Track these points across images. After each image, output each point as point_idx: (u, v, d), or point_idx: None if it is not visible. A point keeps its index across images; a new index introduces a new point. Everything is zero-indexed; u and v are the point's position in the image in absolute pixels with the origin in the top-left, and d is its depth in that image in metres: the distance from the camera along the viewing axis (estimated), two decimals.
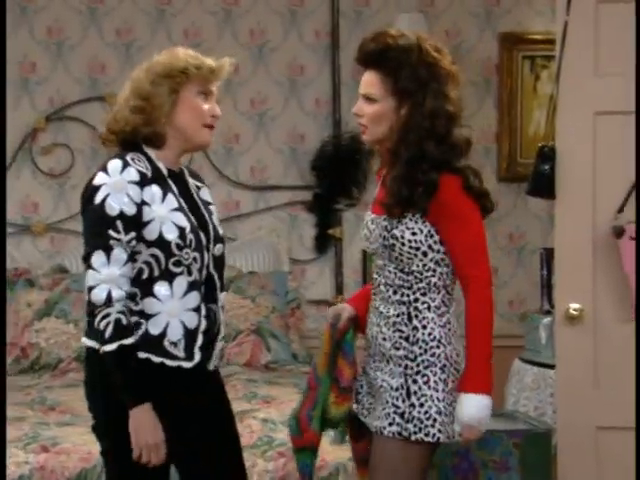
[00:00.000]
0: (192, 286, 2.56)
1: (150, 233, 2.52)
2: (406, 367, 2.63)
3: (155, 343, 2.54)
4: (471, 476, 3.23)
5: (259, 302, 4.50)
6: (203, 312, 2.59)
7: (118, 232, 2.48)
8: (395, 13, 4.65)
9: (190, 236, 2.56)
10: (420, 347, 2.63)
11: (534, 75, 4.81)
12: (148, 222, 2.52)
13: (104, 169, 2.53)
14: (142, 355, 2.53)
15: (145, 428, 2.50)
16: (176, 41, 4.68)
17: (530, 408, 3.93)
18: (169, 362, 2.54)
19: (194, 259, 2.56)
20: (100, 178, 2.52)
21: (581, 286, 3.13)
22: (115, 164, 2.52)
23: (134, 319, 2.53)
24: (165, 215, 2.53)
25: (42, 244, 4.71)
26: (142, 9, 4.73)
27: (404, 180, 2.59)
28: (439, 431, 2.60)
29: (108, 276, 2.47)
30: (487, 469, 3.19)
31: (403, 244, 2.62)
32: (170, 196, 2.57)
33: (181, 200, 2.60)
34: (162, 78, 2.57)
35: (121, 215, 2.48)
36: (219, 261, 2.66)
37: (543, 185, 3.17)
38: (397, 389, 2.62)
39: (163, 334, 2.54)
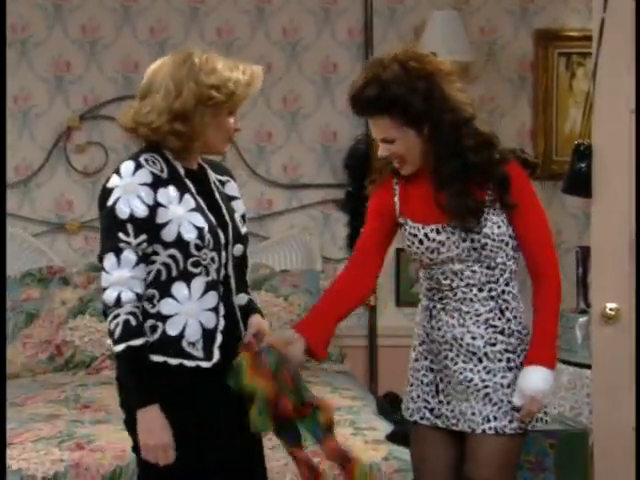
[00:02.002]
0: (210, 286, 2.56)
1: (168, 234, 2.51)
2: (508, 360, 2.67)
3: (173, 344, 2.52)
4: None
5: (292, 301, 4.49)
6: (222, 312, 2.58)
7: (128, 235, 2.48)
8: (429, 10, 4.63)
9: (208, 236, 2.54)
10: (517, 338, 2.70)
11: (570, 72, 4.77)
12: (165, 224, 2.51)
13: (117, 171, 2.53)
14: (158, 359, 2.52)
15: (153, 429, 2.50)
16: (209, 40, 4.69)
17: (566, 408, 3.90)
18: (187, 362, 2.53)
19: (212, 259, 2.55)
20: (113, 181, 2.52)
21: (618, 285, 3.10)
22: (127, 166, 2.52)
23: (150, 322, 2.52)
24: (183, 215, 2.52)
25: (76, 242, 4.73)
26: (175, 7, 4.74)
27: (462, 194, 2.62)
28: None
29: (119, 278, 2.48)
30: (522, 470, 3.17)
31: (493, 240, 2.66)
32: (187, 196, 2.56)
33: (199, 199, 2.59)
34: (205, 97, 2.55)
35: (131, 218, 2.48)
36: (239, 261, 2.65)
37: (579, 183, 3.14)
38: (509, 385, 2.66)
39: (181, 335, 2.53)
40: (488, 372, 2.67)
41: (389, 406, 3.74)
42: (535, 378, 2.63)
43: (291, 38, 4.77)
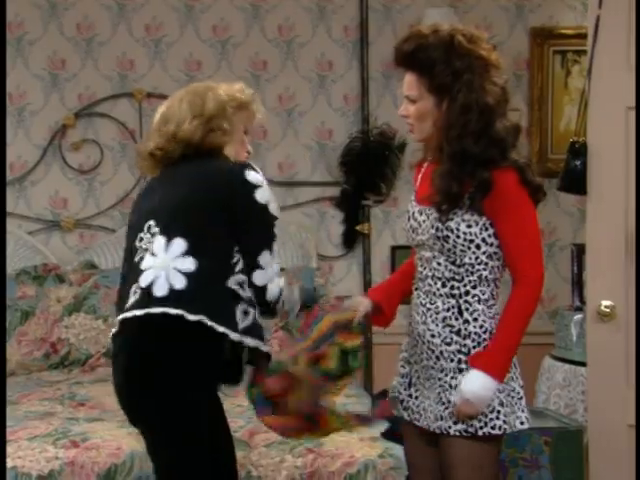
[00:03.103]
0: None
1: None
2: (459, 362, 2.63)
3: (259, 329, 2.68)
4: (501, 474, 3.21)
5: None
6: None
7: (276, 229, 2.72)
8: (424, 8, 4.63)
9: None
10: (473, 340, 2.63)
11: (565, 70, 4.78)
12: None
13: (252, 169, 2.71)
14: (252, 343, 2.66)
15: None
16: (204, 37, 4.69)
17: (561, 406, 3.91)
18: (267, 347, 2.72)
19: None
20: (255, 177, 2.69)
21: (613, 283, 3.10)
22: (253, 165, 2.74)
23: (243, 307, 2.65)
24: None
25: (71, 240, 4.73)
26: (171, 5, 4.73)
27: (450, 176, 2.59)
28: (504, 422, 2.61)
29: (274, 272, 2.69)
30: (517, 467, 3.18)
31: (458, 236, 2.62)
32: None
33: None
34: (239, 119, 2.79)
35: (278, 216, 2.75)
36: None
37: (574, 181, 3.14)
38: (455, 387, 2.62)
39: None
40: (442, 371, 2.64)
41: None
42: (476, 382, 2.58)
43: (286, 36, 4.77)
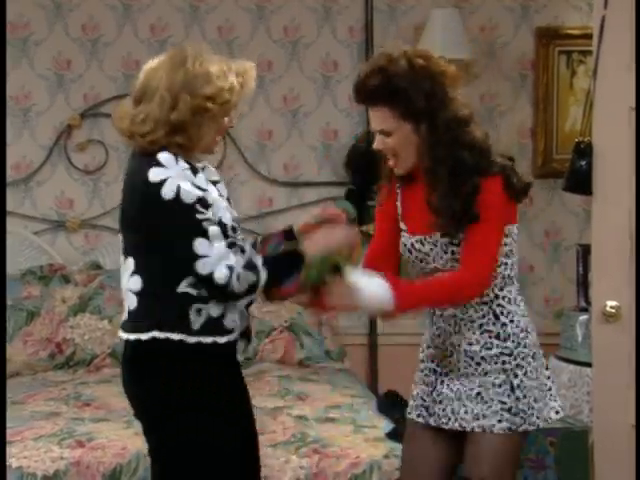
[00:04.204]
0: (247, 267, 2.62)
1: (215, 215, 2.56)
2: (504, 363, 2.67)
3: (218, 325, 2.57)
4: None
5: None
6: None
7: (202, 213, 2.50)
8: (429, 9, 4.62)
9: (234, 216, 2.65)
10: (513, 341, 2.68)
11: (570, 70, 4.77)
12: (211, 205, 2.55)
13: (157, 164, 2.51)
14: (208, 340, 2.56)
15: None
16: (210, 38, 4.69)
17: (566, 406, 3.90)
18: (232, 337, 2.59)
19: (242, 240, 2.64)
20: (159, 172, 2.50)
21: (618, 283, 3.09)
22: (167, 156, 2.53)
23: (195, 306, 2.55)
24: (218, 199, 2.59)
25: (77, 240, 4.73)
26: (176, 6, 4.73)
27: (451, 195, 2.60)
28: (537, 418, 2.70)
29: (218, 255, 2.50)
30: (523, 468, 3.17)
31: None
32: (211, 185, 2.62)
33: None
34: (201, 108, 2.56)
35: (198, 200, 2.51)
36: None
37: (580, 181, 3.14)
38: (500, 385, 2.67)
39: (223, 315, 2.58)
40: (485, 374, 2.68)
41: (389, 404, 3.74)
42: (377, 289, 2.57)
43: (292, 36, 4.77)
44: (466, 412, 2.68)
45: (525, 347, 2.69)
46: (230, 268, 2.50)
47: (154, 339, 2.56)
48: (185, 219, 2.49)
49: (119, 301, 4.41)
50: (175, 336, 2.54)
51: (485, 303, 2.68)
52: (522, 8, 4.80)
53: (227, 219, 2.58)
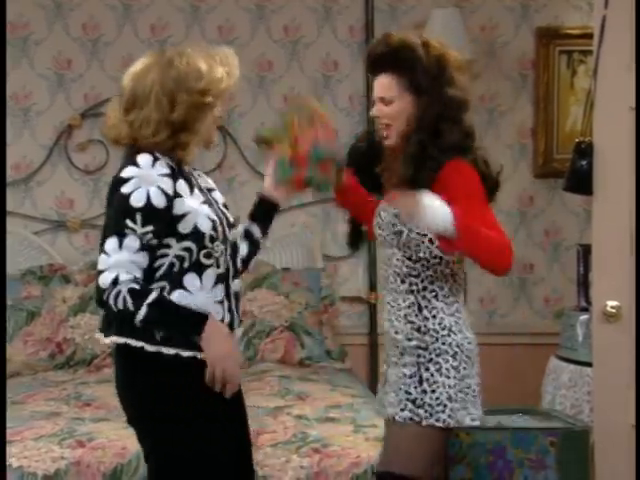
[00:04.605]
0: (219, 278, 2.59)
1: (185, 226, 2.53)
2: (419, 356, 2.72)
3: (183, 337, 2.53)
4: (507, 474, 3.21)
5: (293, 299, 4.49)
6: (226, 305, 2.61)
7: (135, 223, 2.48)
8: (430, 8, 4.62)
9: (219, 228, 2.59)
10: (431, 336, 2.71)
11: (571, 70, 4.77)
12: (182, 215, 2.53)
13: (133, 163, 2.53)
14: (170, 351, 2.53)
15: (219, 339, 2.51)
16: (210, 38, 4.69)
17: (567, 406, 3.90)
18: (199, 355, 2.53)
19: (222, 251, 2.59)
20: (130, 171, 2.52)
21: (618, 283, 3.09)
22: (146, 158, 2.54)
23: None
24: (198, 208, 2.55)
25: (77, 240, 4.73)
26: (176, 6, 4.73)
27: (412, 160, 2.66)
28: (449, 417, 2.69)
29: (117, 261, 2.48)
30: (523, 467, 3.17)
31: (411, 230, 2.69)
32: (196, 190, 2.60)
33: (205, 193, 2.65)
34: (199, 104, 2.58)
35: (145, 207, 2.49)
36: (234, 247, 2.70)
37: (580, 181, 3.14)
38: (410, 377, 2.71)
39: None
40: (404, 366, 2.74)
41: None
42: (441, 211, 2.57)
43: (292, 36, 4.77)
44: (390, 402, 2.75)
45: (444, 344, 2.70)
46: (115, 281, 2.47)
47: (121, 345, 2.55)
48: (118, 216, 2.50)
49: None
50: (134, 342, 2.53)
51: (412, 292, 2.72)
52: (522, 8, 4.80)
53: (206, 228, 2.55)
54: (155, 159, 2.54)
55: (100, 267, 2.50)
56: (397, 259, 2.73)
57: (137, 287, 2.48)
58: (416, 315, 2.72)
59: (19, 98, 4.68)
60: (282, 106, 4.77)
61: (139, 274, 2.50)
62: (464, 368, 2.71)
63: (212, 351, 2.50)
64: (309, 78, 4.78)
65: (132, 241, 2.49)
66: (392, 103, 2.72)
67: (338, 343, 4.53)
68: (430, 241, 2.69)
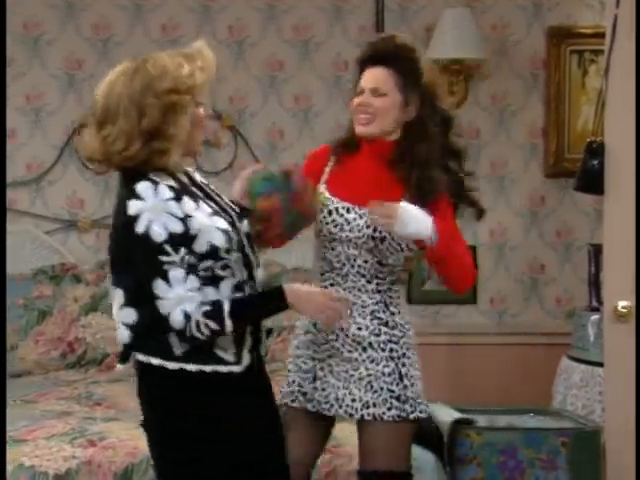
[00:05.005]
0: (237, 288, 2.54)
1: (201, 244, 2.46)
2: (391, 350, 2.78)
3: (205, 351, 2.50)
4: (518, 474, 3.21)
5: None
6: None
7: (169, 255, 2.43)
8: (441, 8, 4.62)
9: (232, 235, 2.52)
10: (400, 330, 2.80)
11: (582, 70, 4.76)
12: (196, 235, 2.46)
13: (134, 195, 2.44)
14: (193, 367, 2.49)
15: (308, 299, 2.53)
16: (221, 38, 4.70)
17: (578, 406, 3.89)
18: (221, 368, 2.51)
19: (237, 259, 2.54)
20: (135, 206, 2.43)
21: (630, 283, 3.09)
22: (145, 187, 2.44)
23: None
24: (207, 222, 2.48)
25: (88, 240, 4.74)
26: (187, 6, 4.74)
27: (428, 179, 2.75)
28: (426, 406, 2.82)
29: (176, 298, 2.43)
30: (534, 468, 3.17)
31: (393, 238, 2.76)
32: (201, 202, 2.52)
33: (208, 201, 2.56)
34: (169, 105, 2.45)
35: (169, 237, 2.42)
36: (249, 237, 2.62)
37: (591, 181, 3.13)
38: (390, 374, 2.77)
39: (211, 343, 2.50)
40: (372, 361, 2.77)
41: None
42: (420, 219, 2.68)
43: (303, 36, 4.77)
44: (353, 400, 2.78)
45: (409, 338, 2.82)
46: (186, 315, 2.44)
47: (142, 363, 2.52)
48: (149, 258, 2.43)
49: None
50: (155, 360, 2.50)
51: (379, 292, 2.80)
52: (534, 7, 4.79)
53: (220, 241, 2.48)
54: (155, 184, 2.45)
55: (163, 312, 2.44)
56: (364, 260, 2.78)
57: (208, 308, 2.45)
58: (384, 311, 2.80)
59: (30, 98, 4.69)
60: (293, 106, 4.78)
61: (200, 296, 2.46)
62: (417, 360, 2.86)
63: (307, 312, 2.57)
64: (320, 78, 4.78)
65: (176, 273, 2.43)
66: (384, 96, 2.77)
67: None
68: (402, 250, 2.78)
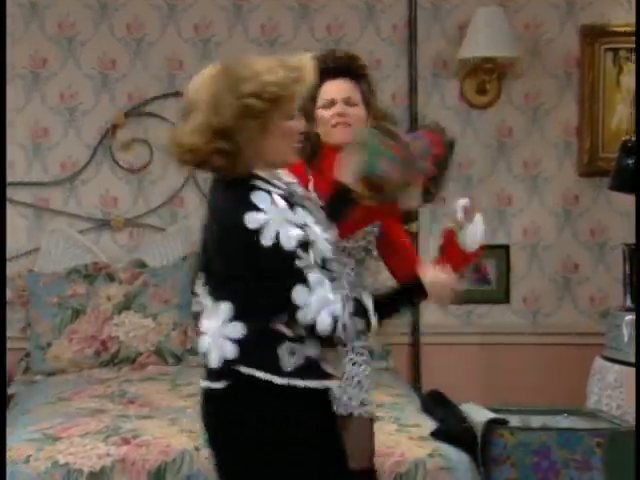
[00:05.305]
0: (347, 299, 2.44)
1: (316, 255, 2.38)
2: (362, 355, 2.92)
3: (315, 366, 2.41)
4: (552, 475, 3.19)
5: None
6: None
7: (301, 259, 2.33)
8: (474, 7, 4.60)
9: (334, 243, 2.46)
10: (366, 338, 2.92)
11: (617, 68, 4.72)
12: (313, 242, 2.38)
13: (251, 207, 2.32)
14: (301, 384, 2.38)
15: (439, 292, 2.49)
16: (253, 37, 4.71)
17: (612, 407, 3.87)
18: (328, 383, 2.43)
19: (340, 270, 2.50)
20: (255, 219, 2.32)
21: None
22: (261, 197, 2.34)
23: (289, 346, 2.38)
24: (318, 233, 2.41)
25: (121, 238, 4.76)
26: (219, 5, 4.75)
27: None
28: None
29: (319, 301, 2.34)
30: (569, 468, 3.15)
31: (373, 253, 2.96)
32: (299, 209, 2.43)
33: (305, 209, 2.47)
34: (244, 108, 2.34)
35: (298, 243, 2.33)
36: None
37: (626, 179, 3.12)
38: (367, 375, 2.91)
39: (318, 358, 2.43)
40: (354, 364, 2.89)
41: (433, 403, 3.73)
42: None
43: (335, 35, 4.76)
44: (350, 398, 2.86)
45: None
46: (334, 318, 2.34)
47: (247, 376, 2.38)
48: (285, 267, 2.33)
49: (163, 299, 4.48)
50: (261, 374, 2.37)
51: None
52: (567, 5, 4.76)
53: (328, 251, 2.40)
54: (269, 194, 2.35)
55: (307, 321, 2.33)
56: (351, 268, 2.89)
57: (351, 310, 2.37)
58: None
59: (65, 98, 4.72)
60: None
61: (340, 294, 2.38)
62: None
63: (444, 300, 2.53)
64: None
65: (315, 275, 2.34)
66: (356, 106, 2.87)
67: (381, 342, 4.52)
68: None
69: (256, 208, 2.33)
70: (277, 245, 2.32)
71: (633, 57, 4.57)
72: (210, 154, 2.36)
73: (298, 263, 2.33)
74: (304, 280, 2.33)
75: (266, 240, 2.32)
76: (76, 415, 3.50)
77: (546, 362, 4.61)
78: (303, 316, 2.34)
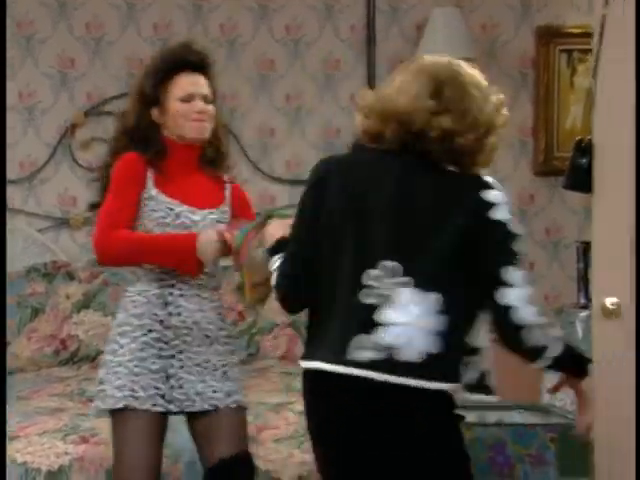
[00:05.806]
0: None
1: None
2: (227, 344, 2.94)
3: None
4: (507, 470, 3.23)
5: None
6: None
7: (522, 254, 2.37)
8: (431, 7, 4.65)
9: None
10: (231, 326, 3.08)
11: (571, 69, 4.79)
12: None
13: (489, 186, 2.46)
14: (451, 387, 2.35)
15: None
16: (213, 37, 4.72)
17: (567, 402, 3.92)
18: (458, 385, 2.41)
19: None
20: (496, 195, 2.44)
21: (618, 280, 3.11)
22: (495, 182, 2.49)
23: (466, 358, 2.41)
24: None
25: (80, 237, 4.76)
26: (179, 4, 4.76)
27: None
28: None
29: (530, 297, 2.36)
30: (523, 463, 3.19)
31: None
32: None
33: None
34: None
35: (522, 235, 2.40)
36: None
37: (580, 179, 3.15)
38: (236, 364, 2.95)
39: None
40: (219, 354, 2.89)
41: None
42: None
43: (294, 35, 4.79)
44: (215, 391, 2.85)
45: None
46: (539, 325, 2.41)
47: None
48: (515, 244, 2.35)
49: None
50: (448, 387, 2.33)
51: (216, 289, 2.95)
52: (523, 7, 4.82)
53: None
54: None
55: (508, 301, 2.29)
56: None
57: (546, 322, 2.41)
58: (222, 307, 2.98)
59: (23, 97, 4.71)
60: (284, 105, 4.80)
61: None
62: None
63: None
64: (311, 77, 4.81)
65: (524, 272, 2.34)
66: (212, 104, 2.90)
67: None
68: None
69: (492, 187, 2.54)
70: (510, 221, 2.45)
71: (586, 58, 4.64)
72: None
73: (519, 249, 2.39)
74: (517, 265, 2.37)
75: (501, 215, 2.43)
76: (34, 414, 3.50)
77: (502, 358, 4.65)
78: (504, 296, 2.32)
